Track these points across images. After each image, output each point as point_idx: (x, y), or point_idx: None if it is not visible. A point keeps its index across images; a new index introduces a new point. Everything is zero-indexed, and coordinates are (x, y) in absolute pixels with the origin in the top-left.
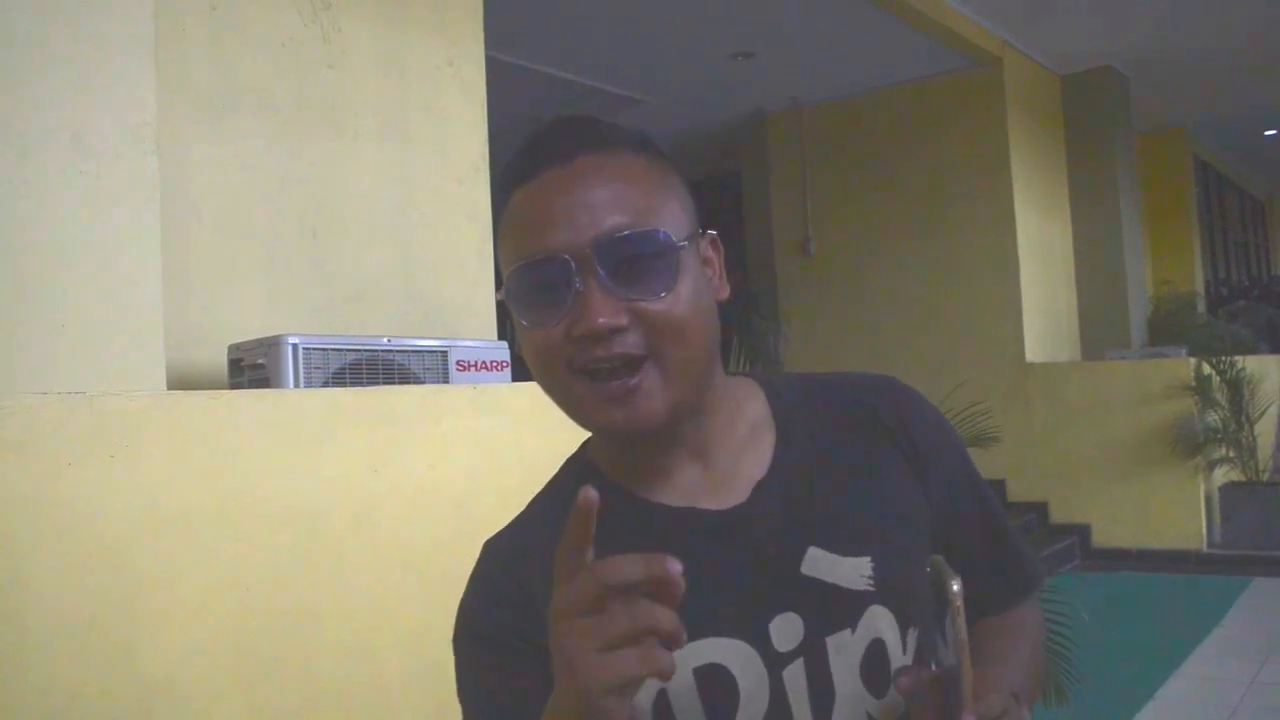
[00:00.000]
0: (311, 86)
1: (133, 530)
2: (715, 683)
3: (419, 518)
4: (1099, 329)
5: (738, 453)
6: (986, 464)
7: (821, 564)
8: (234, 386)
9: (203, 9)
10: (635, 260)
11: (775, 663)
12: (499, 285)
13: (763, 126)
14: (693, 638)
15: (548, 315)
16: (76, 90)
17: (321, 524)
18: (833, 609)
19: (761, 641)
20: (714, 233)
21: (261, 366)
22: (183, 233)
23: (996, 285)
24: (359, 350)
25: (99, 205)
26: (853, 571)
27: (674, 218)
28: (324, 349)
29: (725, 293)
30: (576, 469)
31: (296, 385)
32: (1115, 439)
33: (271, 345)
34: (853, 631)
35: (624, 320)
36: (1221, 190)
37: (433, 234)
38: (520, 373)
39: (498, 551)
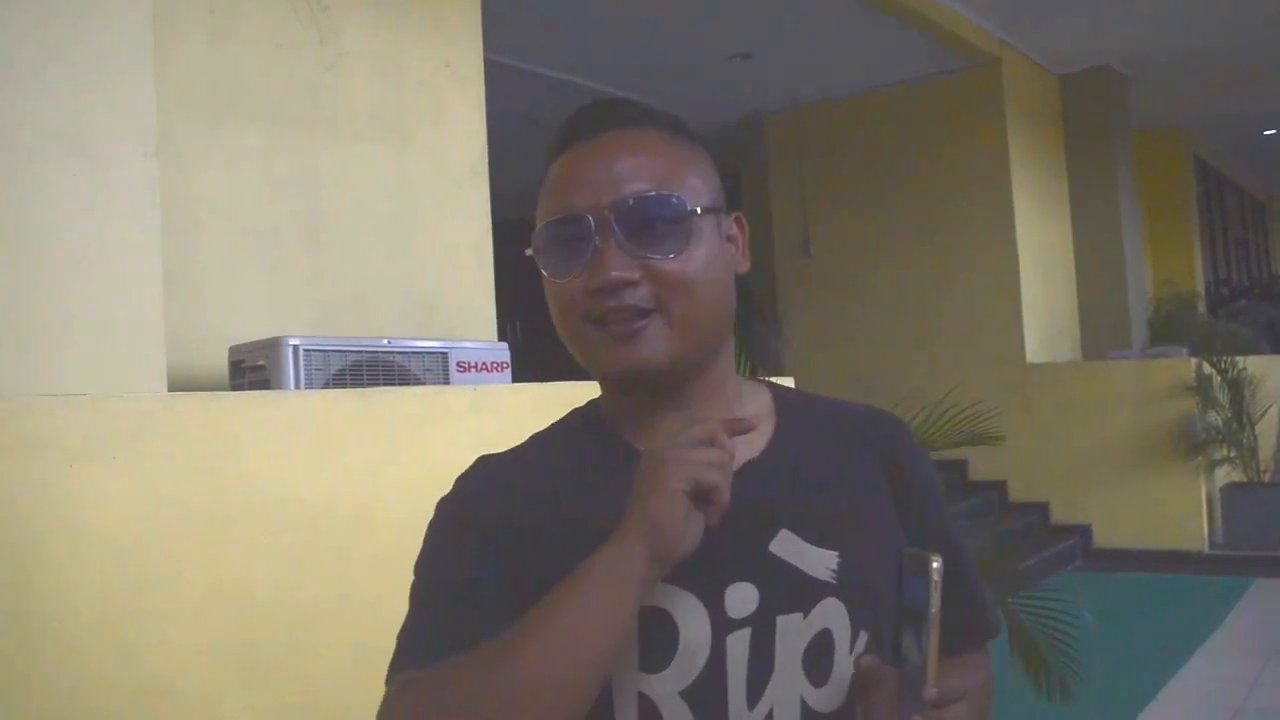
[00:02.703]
0: (310, 89)
1: (134, 531)
2: (656, 627)
3: (419, 519)
4: (1099, 329)
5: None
6: (987, 464)
7: (790, 547)
8: (235, 388)
9: (201, 12)
10: (650, 222)
11: (722, 626)
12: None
13: (761, 127)
14: None
15: (568, 267)
16: (76, 94)
17: (322, 525)
18: (790, 591)
19: (714, 603)
20: (739, 213)
21: (262, 368)
22: (183, 235)
23: (996, 285)
24: (359, 352)
25: (99, 208)
26: (819, 562)
27: (692, 189)
28: (324, 351)
29: (745, 266)
30: (581, 414)
31: (297, 387)
32: (1116, 439)
33: (272, 347)
34: (804, 616)
35: (636, 275)
36: (1221, 189)
37: (432, 236)
38: (521, 374)
39: (496, 462)
